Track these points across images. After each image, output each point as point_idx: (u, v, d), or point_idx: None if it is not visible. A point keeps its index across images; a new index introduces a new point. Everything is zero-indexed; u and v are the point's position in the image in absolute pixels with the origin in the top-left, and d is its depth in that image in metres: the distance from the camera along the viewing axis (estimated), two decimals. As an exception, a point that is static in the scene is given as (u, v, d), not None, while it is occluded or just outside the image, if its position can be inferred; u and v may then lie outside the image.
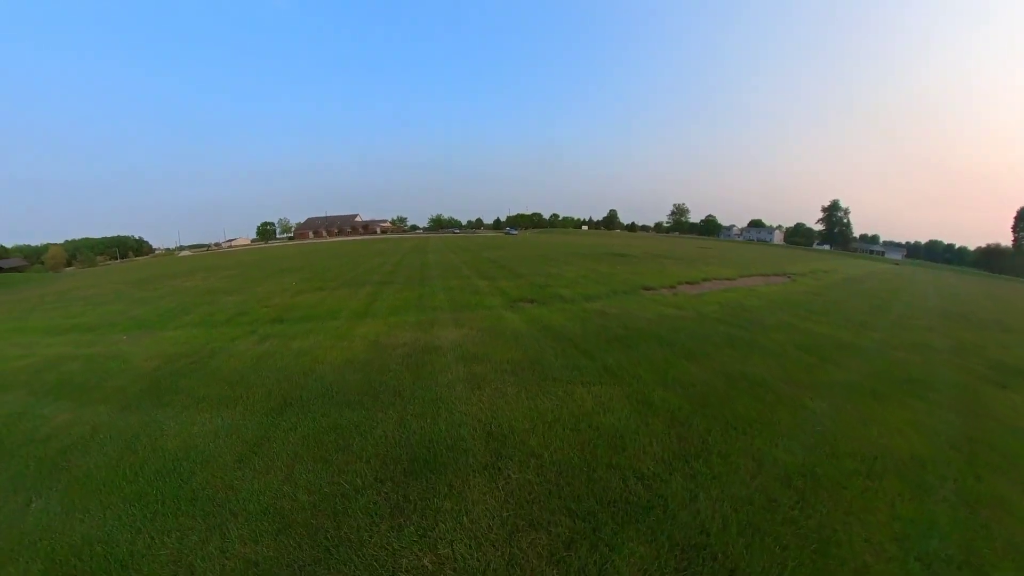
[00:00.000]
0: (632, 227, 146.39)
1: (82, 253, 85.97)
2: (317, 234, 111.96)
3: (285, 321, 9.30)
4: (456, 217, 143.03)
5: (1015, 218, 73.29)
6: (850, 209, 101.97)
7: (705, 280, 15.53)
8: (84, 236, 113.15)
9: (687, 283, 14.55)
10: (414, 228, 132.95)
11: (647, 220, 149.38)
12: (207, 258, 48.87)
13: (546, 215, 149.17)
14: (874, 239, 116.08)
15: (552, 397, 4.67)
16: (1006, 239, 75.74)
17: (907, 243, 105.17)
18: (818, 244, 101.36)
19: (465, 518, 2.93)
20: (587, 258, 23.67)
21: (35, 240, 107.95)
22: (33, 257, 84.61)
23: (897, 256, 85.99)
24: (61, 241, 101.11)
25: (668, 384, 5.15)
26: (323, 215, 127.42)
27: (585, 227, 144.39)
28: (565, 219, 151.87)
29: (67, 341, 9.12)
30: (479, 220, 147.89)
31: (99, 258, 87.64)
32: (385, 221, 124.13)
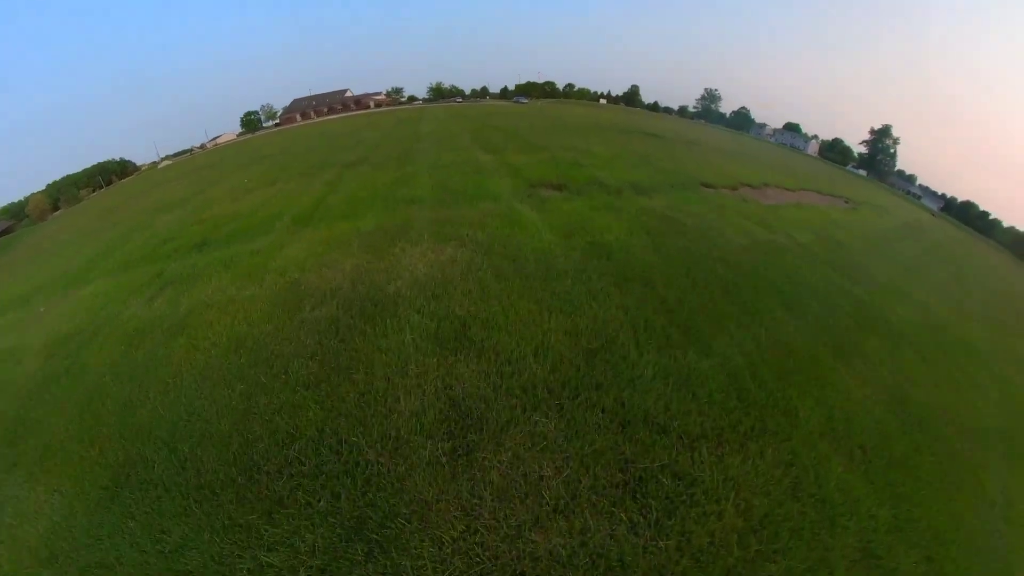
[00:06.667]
0: (655, 107, 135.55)
1: (65, 192, 76.77)
2: (305, 116, 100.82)
3: (207, 245, 8.24)
4: (459, 86, 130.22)
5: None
6: (900, 140, 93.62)
7: (766, 185, 12.71)
8: (65, 175, 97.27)
9: (747, 185, 11.71)
10: (412, 99, 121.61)
11: (671, 102, 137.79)
12: (184, 164, 47.63)
13: (560, 85, 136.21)
14: (911, 179, 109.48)
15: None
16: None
17: (943, 195, 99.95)
18: (852, 167, 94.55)
19: None
20: (614, 132, 20.85)
21: (18, 195, 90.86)
22: (20, 214, 75.00)
23: (933, 207, 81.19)
24: (43, 187, 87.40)
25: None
26: (308, 94, 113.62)
27: (603, 100, 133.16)
28: (581, 90, 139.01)
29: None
30: (484, 89, 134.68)
31: (82, 192, 77.01)
32: (379, 94, 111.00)
